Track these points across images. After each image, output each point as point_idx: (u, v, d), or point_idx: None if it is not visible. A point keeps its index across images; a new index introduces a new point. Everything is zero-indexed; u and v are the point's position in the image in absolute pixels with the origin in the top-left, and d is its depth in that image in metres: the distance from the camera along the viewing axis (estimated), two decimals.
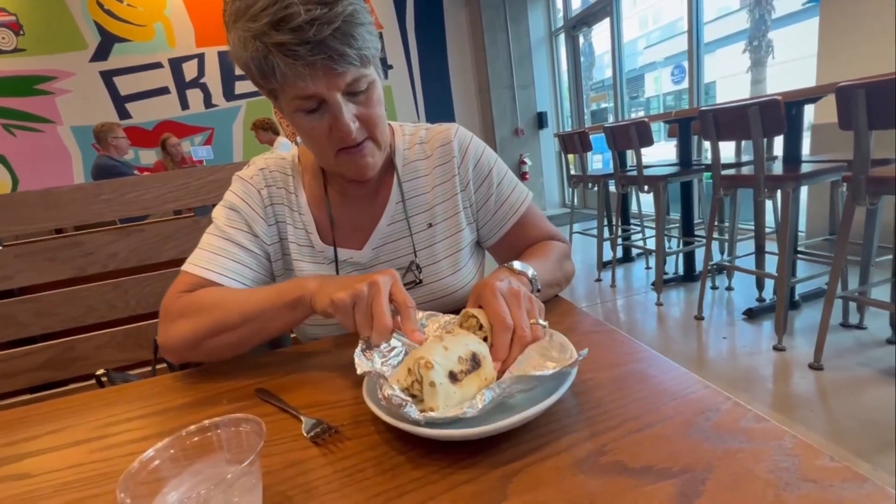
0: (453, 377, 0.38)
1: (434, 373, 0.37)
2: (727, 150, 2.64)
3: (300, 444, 0.41)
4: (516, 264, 0.55)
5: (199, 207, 1.09)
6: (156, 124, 4.64)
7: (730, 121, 1.81)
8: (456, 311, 0.67)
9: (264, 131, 3.63)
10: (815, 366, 1.60)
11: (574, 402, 0.42)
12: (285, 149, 3.84)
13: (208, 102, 4.75)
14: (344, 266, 0.71)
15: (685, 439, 0.35)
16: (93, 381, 1.09)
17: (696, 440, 0.35)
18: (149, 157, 4.59)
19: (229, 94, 4.79)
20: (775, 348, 1.77)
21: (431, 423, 0.36)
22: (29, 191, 0.96)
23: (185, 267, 0.64)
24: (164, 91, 4.63)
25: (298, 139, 0.77)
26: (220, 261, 0.64)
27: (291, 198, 0.71)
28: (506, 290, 0.47)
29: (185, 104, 4.70)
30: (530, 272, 0.55)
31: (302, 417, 0.45)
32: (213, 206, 1.12)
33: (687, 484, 0.31)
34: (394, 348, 0.48)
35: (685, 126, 2.53)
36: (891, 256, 1.67)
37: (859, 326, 1.81)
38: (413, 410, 0.35)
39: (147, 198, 1.04)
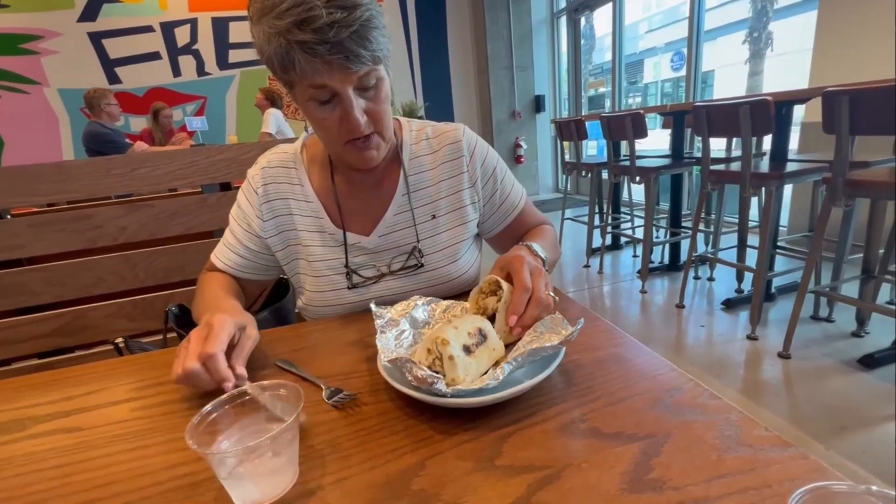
0: (467, 350, 0.45)
1: (451, 347, 0.44)
2: (719, 141, 2.71)
3: (322, 408, 0.48)
4: (535, 247, 0.66)
5: (206, 185, 1.13)
6: (146, 91, 4.54)
7: (721, 118, 1.87)
8: (455, 297, 0.74)
9: (266, 100, 3.60)
10: (784, 355, 1.72)
11: (561, 378, 0.49)
12: (276, 120, 3.83)
13: (201, 70, 4.65)
14: (352, 249, 0.76)
15: (651, 411, 0.42)
16: (103, 349, 1.15)
17: (659, 412, 0.42)
18: (139, 124, 4.50)
19: (223, 63, 4.69)
20: (748, 337, 1.88)
21: (457, 394, 0.42)
22: (42, 163, 0.99)
23: (212, 254, 0.80)
24: (155, 56, 4.51)
25: (309, 129, 0.81)
26: (228, 253, 0.77)
27: (296, 189, 0.76)
28: (532, 265, 0.56)
29: (177, 71, 4.59)
30: (543, 255, 0.66)
31: (322, 385, 0.51)
32: (220, 184, 1.16)
33: (649, 446, 0.38)
34: (403, 331, 0.55)
35: (679, 119, 2.58)
36: (863, 255, 1.77)
37: (828, 319, 1.93)
38: (442, 385, 0.42)
39: (157, 174, 1.07)
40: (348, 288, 0.74)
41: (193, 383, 0.49)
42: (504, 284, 0.54)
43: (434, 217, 0.77)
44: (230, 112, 4.83)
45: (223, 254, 0.77)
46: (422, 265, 0.76)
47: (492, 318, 0.53)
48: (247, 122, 4.80)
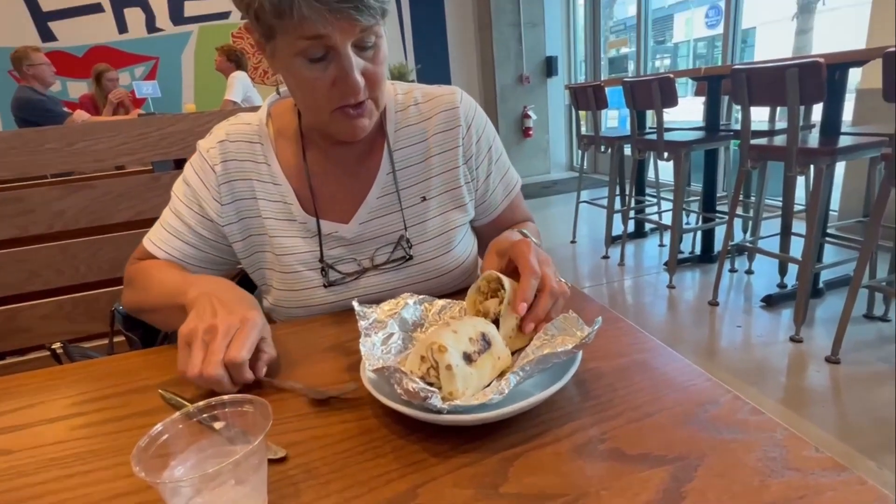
0: (468, 358, 0.45)
1: (449, 355, 0.43)
2: (760, 111, 2.70)
3: (295, 426, 0.47)
4: (527, 233, 0.67)
5: (158, 162, 1.11)
6: (87, 50, 4.47)
7: (765, 84, 1.86)
8: (448, 294, 0.73)
9: (229, 61, 3.54)
10: (832, 359, 1.73)
11: (577, 390, 0.48)
12: (242, 85, 3.75)
13: (151, 26, 4.58)
14: (328, 240, 0.74)
15: (682, 429, 0.42)
16: (38, 355, 1.14)
17: (692, 430, 0.41)
18: (79, 89, 4.44)
19: (177, 17, 4.62)
20: (792, 339, 1.90)
21: (454, 410, 0.42)
22: None
23: (144, 239, 0.76)
24: (96, 8, 4.43)
25: (282, 89, 0.79)
26: (170, 240, 0.74)
27: (261, 168, 0.74)
28: (540, 253, 0.56)
29: (122, 27, 4.52)
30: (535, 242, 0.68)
31: (300, 393, 0.50)
32: (175, 160, 1.14)
33: (680, 470, 0.37)
34: (392, 334, 0.54)
35: (715, 85, 2.57)
36: None
37: (884, 318, 1.95)
38: (437, 400, 0.41)
39: (99, 148, 1.05)
40: (324, 286, 0.73)
41: (206, 386, 0.52)
42: (506, 282, 0.53)
43: (424, 199, 0.76)
44: (187, 76, 4.77)
45: (165, 241, 0.74)
46: (410, 257, 0.75)
47: (494, 324, 0.53)
48: (206, 87, 4.74)
